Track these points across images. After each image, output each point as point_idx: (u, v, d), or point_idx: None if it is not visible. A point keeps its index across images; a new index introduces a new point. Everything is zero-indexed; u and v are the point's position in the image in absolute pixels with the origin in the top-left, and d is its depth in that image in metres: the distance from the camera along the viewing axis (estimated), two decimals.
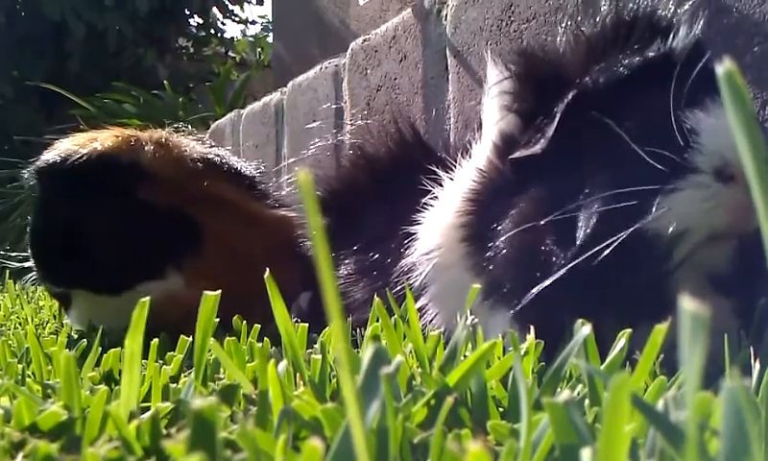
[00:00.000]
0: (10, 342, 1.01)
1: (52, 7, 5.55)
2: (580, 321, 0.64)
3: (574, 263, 0.77)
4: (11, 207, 4.01)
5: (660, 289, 0.78)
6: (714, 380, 0.48)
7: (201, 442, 0.40)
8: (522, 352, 0.72)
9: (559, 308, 0.79)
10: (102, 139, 1.37)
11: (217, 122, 3.20)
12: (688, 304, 0.29)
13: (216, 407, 0.41)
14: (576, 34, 0.95)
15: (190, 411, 0.40)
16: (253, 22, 14.87)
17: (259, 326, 0.91)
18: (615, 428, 0.31)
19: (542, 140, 0.87)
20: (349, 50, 2.07)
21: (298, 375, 0.71)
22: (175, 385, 0.71)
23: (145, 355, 0.67)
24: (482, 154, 0.99)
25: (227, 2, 6.87)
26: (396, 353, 0.70)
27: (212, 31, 7.12)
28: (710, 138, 0.78)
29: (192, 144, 1.48)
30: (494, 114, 0.98)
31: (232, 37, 7.76)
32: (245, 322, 0.97)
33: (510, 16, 1.49)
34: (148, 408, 0.62)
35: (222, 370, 0.79)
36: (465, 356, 0.69)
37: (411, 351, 0.77)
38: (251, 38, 8.80)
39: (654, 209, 0.76)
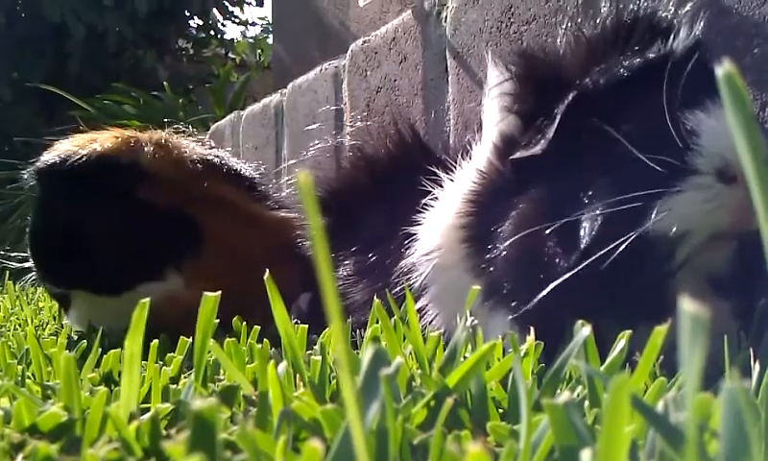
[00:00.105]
0: (9, 343, 1.01)
1: (52, 8, 5.55)
2: (580, 322, 0.64)
3: (577, 269, 0.77)
4: (10, 209, 4.01)
5: (660, 291, 0.78)
6: (714, 382, 0.48)
7: (201, 443, 0.40)
8: (522, 354, 0.72)
9: (559, 310, 0.79)
10: (101, 140, 1.37)
11: (217, 123, 3.20)
12: (688, 306, 0.29)
13: (216, 408, 0.41)
14: (576, 35, 0.96)
15: (190, 412, 0.40)
16: (253, 24, 14.87)
17: (259, 327, 0.91)
18: (615, 430, 0.31)
19: (543, 141, 0.87)
20: (349, 51, 2.07)
21: (297, 376, 0.71)
22: (175, 386, 0.71)
23: (145, 356, 0.68)
24: (482, 155, 0.99)
25: (227, 3, 6.87)
26: (396, 355, 0.70)
27: (212, 32, 7.12)
28: (711, 140, 0.78)
29: (192, 145, 1.48)
30: (495, 115, 0.98)
31: (232, 39, 7.76)
32: (245, 323, 0.97)
33: (510, 18, 1.49)
34: (148, 409, 0.62)
35: (222, 371, 0.79)
36: (464, 358, 0.69)
37: (411, 353, 0.77)
38: (251, 40, 8.80)
39: (656, 212, 0.76)
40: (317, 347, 0.80)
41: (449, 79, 1.68)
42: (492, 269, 0.90)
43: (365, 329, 0.92)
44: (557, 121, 0.86)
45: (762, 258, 0.34)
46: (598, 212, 0.79)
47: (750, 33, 1.06)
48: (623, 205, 0.76)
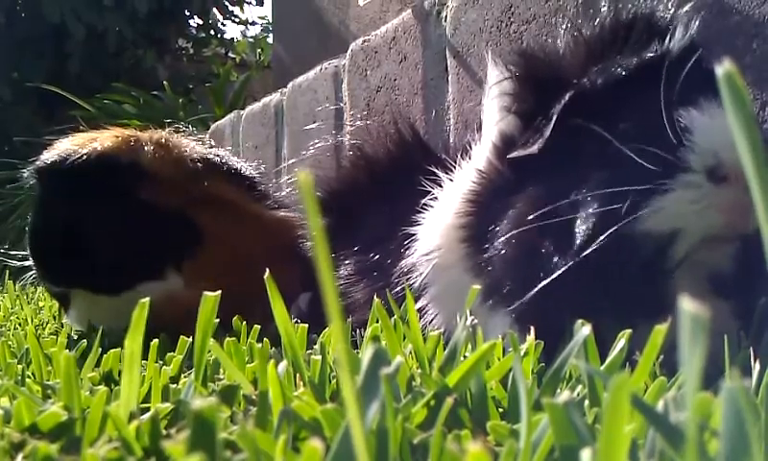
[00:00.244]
0: (9, 343, 1.01)
1: (52, 8, 5.55)
2: (580, 321, 0.64)
3: (567, 266, 0.77)
4: (10, 208, 4.01)
5: (659, 290, 0.78)
6: (714, 381, 0.48)
7: (201, 442, 0.40)
8: (522, 353, 0.72)
9: (558, 309, 0.79)
10: (102, 139, 1.38)
11: (217, 123, 3.20)
12: (688, 305, 0.29)
13: (216, 408, 0.41)
14: (576, 35, 0.96)
15: (190, 412, 0.40)
16: (253, 23, 14.89)
17: (259, 326, 0.91)
18: (615, 429, 0.31)
19: (540, 140, 0.87)
20: (349, 51, 2.07)
21: (297, 375, 0.71)
22: (175, 386, 0.71)
23: (145, 356, 0.68)
24: (482, 155, 1.00)
25: (226, 3, 6.86)
26: (396, 354, 0.70)
27: (212, 32, 7.12)
28: (704, 137, 0.78)
29: (192, 145, 1.48)
30: (494, 115, 0.98)
31: (232, 38, 7.77)
32: (245, 322, 0.97)
33: (509, 18, 1.49)
34: (148, 409, 0.62)
35: (222, 370, 0.79)
36: (464, 357, 0.69)
37: (411, 352, 0.77)
38: (250, 39, 8.80)
39: (646, 209, 0.76)
40: (317, 346, 0.80)
41: (449, 78, 1.68)
42: (491, 268, 0.90)
43: (365, 329, 0.93)
44: (554, 120, 0.86)
45: (762, 258, 0.34)
46: (591, 211, 0.79)
47: (750, 32, 1.06)
48: (614, 202, 0.76)
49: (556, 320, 0.78)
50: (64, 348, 0.92)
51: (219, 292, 0.69)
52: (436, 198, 1.05)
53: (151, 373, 0.71)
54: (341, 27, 3.30)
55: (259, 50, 8.48)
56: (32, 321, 1.55)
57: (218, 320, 0.71)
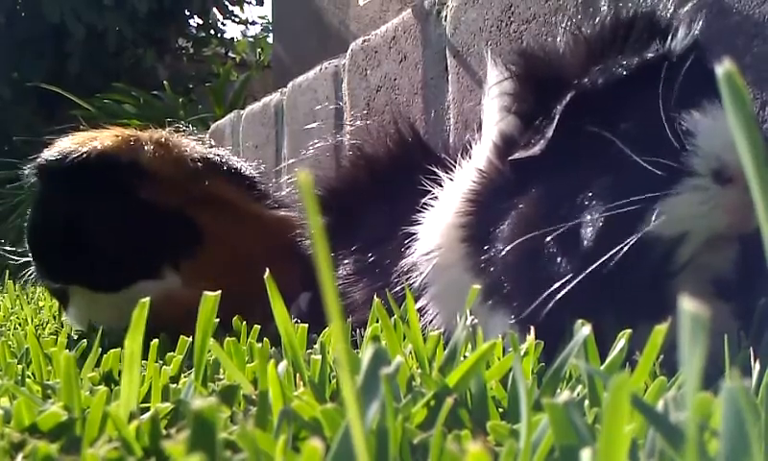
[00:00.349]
0: (9, 342, 1.01)
1: (51, 8, 5.55)
2: (580, 321, 0.64)
3: (579, 278, 0.76)
4: (10, 208, 4.01)
5: (661, 291, 0.78)
6: (714, 381, 0.48)
7: (201, 442, 0.40)
8: (522, 353, 0.72)
9: (559, 309, 0.79)
10: (102, 138, 1.38)
11: (217, 123, 3.20)
12: (688, 305, 0.29)
13: (216, 408, 0.41)
14: (576, 34, 0.95)
15: (190, 412, 0.40)
16: (253, 23, 14.89)
17: (259, 326, 0.91)
18: (615, 429, 0.31)
19: (542, 141, 0.87)
20: (349, 51, 2.07)
21: (297, 375, 0.71)
22: (175, 386, 0.71)
23: (145, 356, 0.67)
24: (482, 154, 0.99)
25: (226, 3, 6.86)
26: (396, 354, 0.70)
27: (212, 31, 7.11)
28: (707, 140, 0.78)
29: (192, 144, 1.48)
30: (494, 115, 0.98)
31: (232, 38, 7.76)
32: (245, 322, 0.97)
33: (509, 17, 1.49)
34: (148, 409, 0.62)
35: (222, 370, 0.79)
36: (464, 357, 0.69)
37: (411, 352, 0.77)
38: (250, 39, 8.80)
39: (654, 215, 0.76)
40: (317, 346, 0.80)
41: (449, 78, 1.68)
42: (491, 268, 0.90)
43: (365, 329, 0.92)
44: (555, 121, 0.86)
45: (763, 258, 0.34)
46: (597, 216, 0.78)
47: (750, 32, 1.06)
48: (621, 208, 0.76)
49: (556, 320, 0.78)
50: (64, 348, 0.92)
51: (219, 292, 0.69)
52: (436, 197, 1.05)
53: (151, 373, 0.71)
54: (341, 27, 3.30)
55: (259, 50, 8.48)
56: (32, 321, 1.55)
57: (218, 320, 0.71)
